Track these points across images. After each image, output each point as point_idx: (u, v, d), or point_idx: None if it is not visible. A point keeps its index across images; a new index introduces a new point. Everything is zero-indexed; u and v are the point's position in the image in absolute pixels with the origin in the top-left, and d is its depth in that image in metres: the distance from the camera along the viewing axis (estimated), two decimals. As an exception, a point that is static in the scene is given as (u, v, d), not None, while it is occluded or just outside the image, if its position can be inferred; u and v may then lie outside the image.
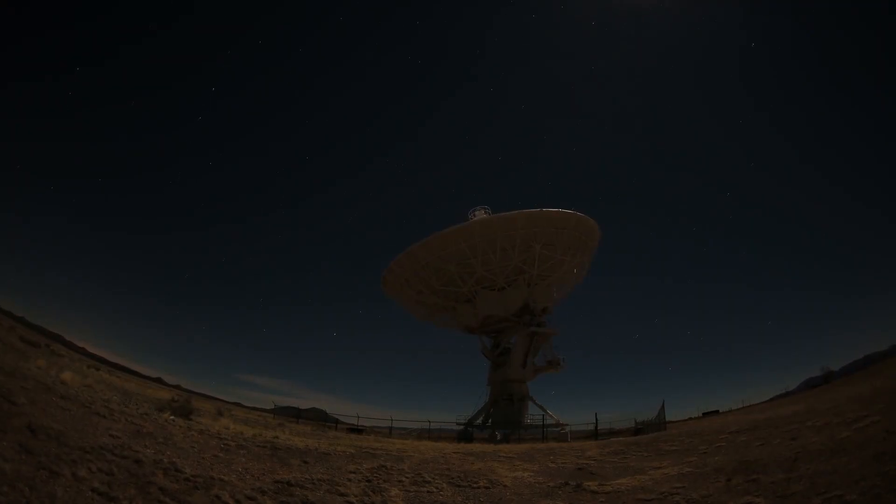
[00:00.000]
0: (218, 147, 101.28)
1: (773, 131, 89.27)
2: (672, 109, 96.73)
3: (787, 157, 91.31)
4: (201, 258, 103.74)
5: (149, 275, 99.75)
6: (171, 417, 9.97)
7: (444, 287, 33.89)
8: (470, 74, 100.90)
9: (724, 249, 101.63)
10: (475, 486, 7.53)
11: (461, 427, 31.22)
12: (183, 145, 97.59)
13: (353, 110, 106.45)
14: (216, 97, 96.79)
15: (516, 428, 28.65)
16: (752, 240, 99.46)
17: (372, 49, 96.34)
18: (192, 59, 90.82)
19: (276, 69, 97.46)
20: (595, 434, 24.65)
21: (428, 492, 6.92)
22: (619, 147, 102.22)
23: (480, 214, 33.15)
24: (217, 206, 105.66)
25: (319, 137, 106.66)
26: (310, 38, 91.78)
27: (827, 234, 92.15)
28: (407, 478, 7.78)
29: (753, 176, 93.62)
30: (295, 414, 31.55)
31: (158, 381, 42.94)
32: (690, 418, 30.58)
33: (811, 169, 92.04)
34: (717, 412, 30.71)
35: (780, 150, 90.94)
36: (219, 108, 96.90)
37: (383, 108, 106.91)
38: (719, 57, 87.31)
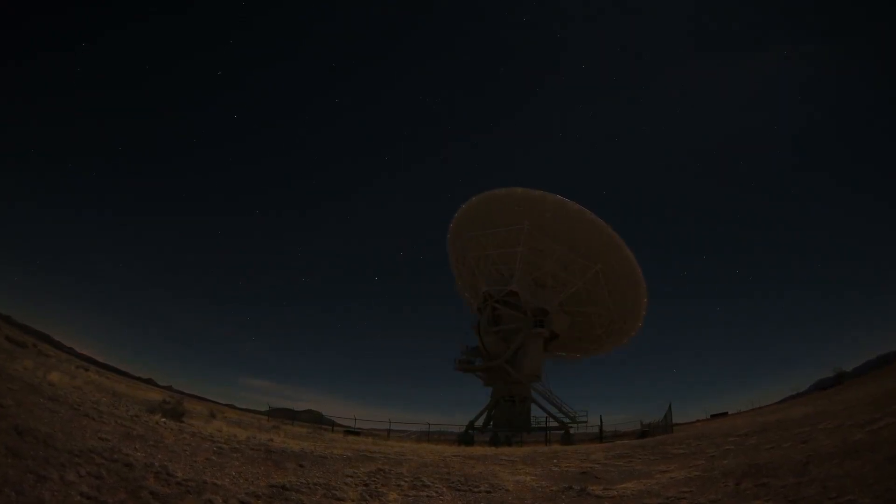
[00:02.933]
0: (216, 144, 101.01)
1: (779, 131, 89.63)
2: (678, 109, 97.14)
3: (794, 156, 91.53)
4: (195, 256, 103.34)
5: (140, 273, 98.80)
6: (163, 419, 9.81)
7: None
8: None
9: (734, 247, 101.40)
10: (476, 490, 7.38)
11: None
12: (178, 142, 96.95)
13: (346, 109, 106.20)
14: (213, 96, 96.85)
15: (518, 430, 28.50)
16: (763, 237, 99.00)
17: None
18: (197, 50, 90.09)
19: (283, 70, 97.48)
20: (600, 437, 24.49)
21: (427, 496, 6.77)
22: (624, 146, 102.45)
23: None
24: (212, 205, 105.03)
25: (316, 137, 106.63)
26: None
27: (838, 232, 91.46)
28: (406, 482, 7.63)
29: (761, 174, 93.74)
30: (290, 416, 31.40)
31: (149, 381, 42.69)
32: (698, 420, 30.04)
33: (821, 167, 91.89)
34: (725, 414, 30.21)
35: (789, 149, 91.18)
36: (216, 107, 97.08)
37: (377, 106, 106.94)
38: (721, 53, 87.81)
